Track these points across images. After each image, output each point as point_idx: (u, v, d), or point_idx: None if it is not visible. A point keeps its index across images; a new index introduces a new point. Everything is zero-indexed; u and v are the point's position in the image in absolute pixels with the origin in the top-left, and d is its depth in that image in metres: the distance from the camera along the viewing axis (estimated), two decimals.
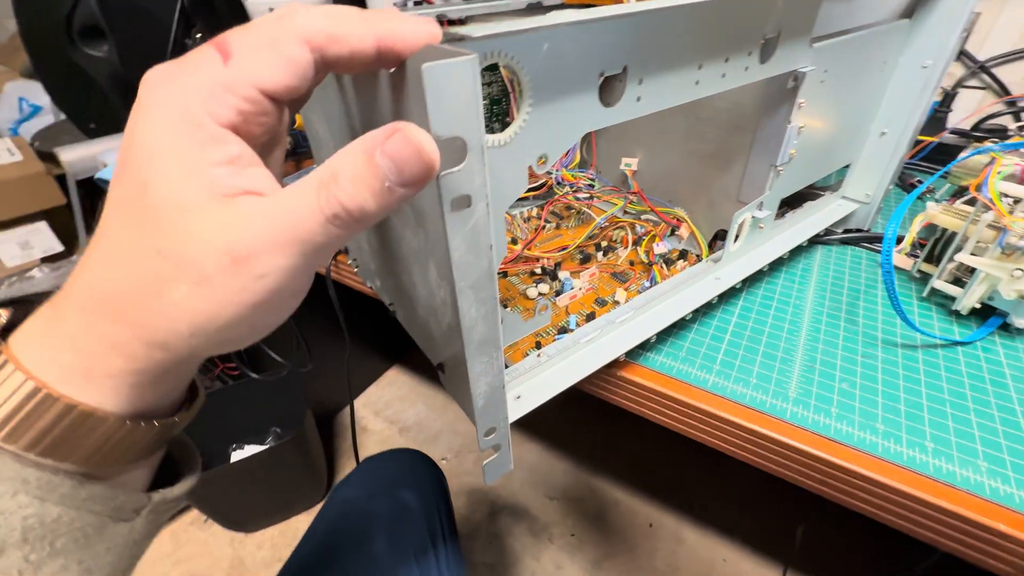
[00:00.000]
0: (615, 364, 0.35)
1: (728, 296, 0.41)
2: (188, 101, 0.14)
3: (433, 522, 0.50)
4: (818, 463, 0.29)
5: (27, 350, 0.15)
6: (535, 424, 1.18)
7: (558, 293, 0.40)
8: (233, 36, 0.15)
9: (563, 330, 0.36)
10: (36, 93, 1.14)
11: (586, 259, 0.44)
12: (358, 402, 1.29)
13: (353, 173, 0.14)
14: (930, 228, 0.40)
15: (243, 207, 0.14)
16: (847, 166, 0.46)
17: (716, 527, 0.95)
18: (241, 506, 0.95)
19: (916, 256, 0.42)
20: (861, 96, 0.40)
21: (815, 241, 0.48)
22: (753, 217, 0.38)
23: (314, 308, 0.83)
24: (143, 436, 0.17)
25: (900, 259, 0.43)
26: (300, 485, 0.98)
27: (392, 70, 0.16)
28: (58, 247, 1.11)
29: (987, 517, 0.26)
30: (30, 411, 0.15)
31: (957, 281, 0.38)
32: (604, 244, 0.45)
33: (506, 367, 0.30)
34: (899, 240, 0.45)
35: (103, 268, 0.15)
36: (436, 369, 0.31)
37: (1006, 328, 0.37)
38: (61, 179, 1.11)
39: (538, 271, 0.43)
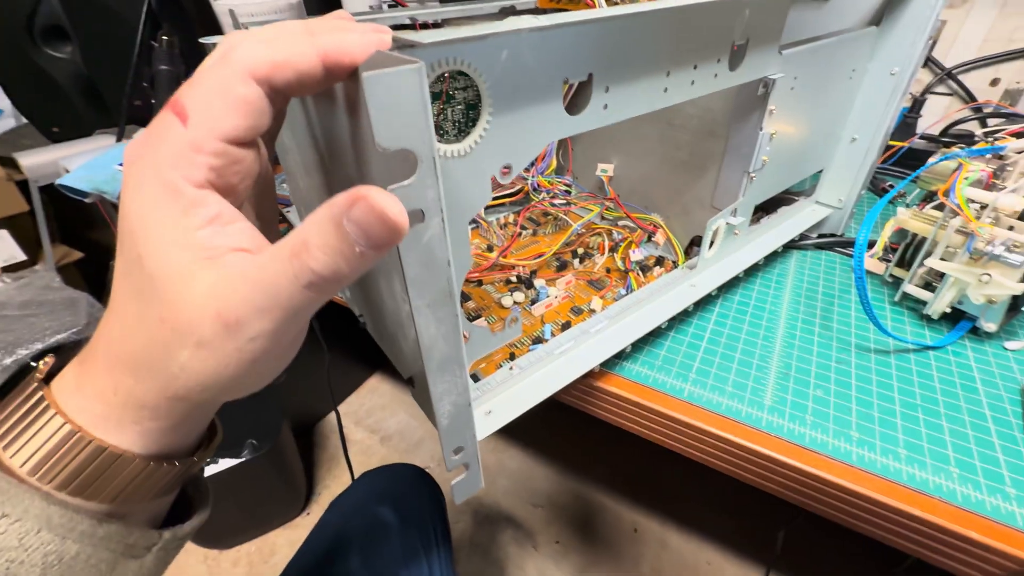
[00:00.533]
0: (590, 374, 0.34)
1: (704, 303, 0.41)
2: (163, 171, 0.15)
3: (426, 534, 0.49)
4: (793, 472, 0.29)
5: (65, 398, 0.17)
6: (517, 431, 1.17)
7: (533, 302, 0.39)
8: (184, 94, 0.15)
9: (538, 340, 0.35)
10: None
11: (563, 266, 0.44)
12: (339, 411, 1.26)
13: (323, 242, 0.14)
14: (901, 232, 0.41)
15: (230, 270, 0.15)
16: (820, 171, 0.46)
17: (700, 531, 0.95)
18: (215, 522, 0.92)
19: (888, 260, 0.42)
20: (832, 103, 0.40)
21: (790, 246, 0.48)
22: (727, 224, 0.37)
23: None
24: (165, 475, 0.18)
25: (873, 263, 0.44)
26: (278, 499, 0.95)
27: (345, 82, 0.15)
28: (20, 256, 1.07)
29: (959, 525, 0.26)
30: (65, 452, 0.16)
31: (928, 286, 0.39)
32: (581, 251, 0.45)
33: (476, 380, 0.29)
34: (871, 245, 0.45)
35: (120, 333, 0.16)
36: (406, 383, 0.30)
37: (975, 332, 0.37)
38: (23, 185, 1.06)
39: (513, 279, 0.42)
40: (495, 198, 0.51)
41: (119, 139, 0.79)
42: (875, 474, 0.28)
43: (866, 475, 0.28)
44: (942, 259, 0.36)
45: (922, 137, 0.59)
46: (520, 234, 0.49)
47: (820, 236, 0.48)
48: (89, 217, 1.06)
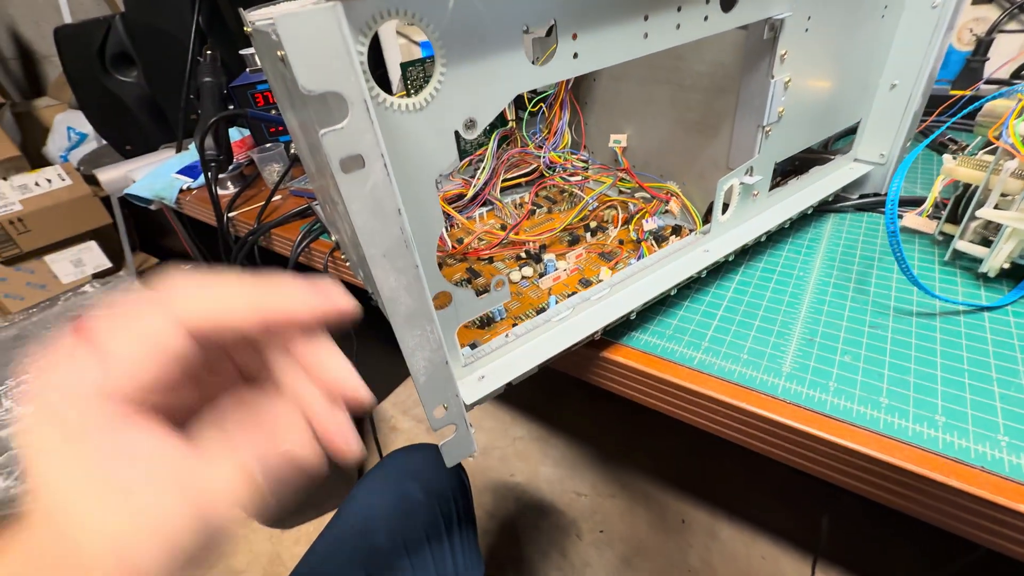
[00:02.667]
0: (595, 344, 0.33)
1: (723, 271, 0.39)
2: (73, 416, 0.14)
3: (449, 512, 0.50)
4: (811, 440, 0.27)
5: None
6: (560, 420, 1.17)
7: (541, 275, 0.39)
8: (102, 328, 0.14)
9: (542, 311, 0.35)
10: (81, 121, 1.23)
11: (575, 240, 0.43)
12: (387, 402, 1.31)
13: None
14: (954, 187, 0.37)
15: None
16: (857, 125, 0.42)
17: (754, 523, 0.90)
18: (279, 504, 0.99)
19: (939, 218, 0.38)
20: (862, 45, 0.36)
21: (826, 209, 0.44)
22: (743, 184, 0.35)
23: None
24: None
25: (921, 222, 0.40)
26: (332, 481, 1.01)
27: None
28: (107, 263, 1.19)
29: (1005, 497, 0.23)
30: None
31: (984, 242, 0.35)
32: (594, 224, 0.44)
33: (473, 348, 0.29)
34: (919, 203, 0.41)
35: None
36: None
37: None
38: (106, 200, 1.19)
39: (523, 255, 0.42)
40: (510, 179, 0.51)
41: (177, 151, 0.86)
42: (906, 442, 0.25)
43: (895, 443, 0.26)
44: (996, 208, 0.32)
45: (988, 82, 0.53)
46: (534, 211, 0.48)
47: (861, 196, 0.44)
48: (162, 226, 1.16)
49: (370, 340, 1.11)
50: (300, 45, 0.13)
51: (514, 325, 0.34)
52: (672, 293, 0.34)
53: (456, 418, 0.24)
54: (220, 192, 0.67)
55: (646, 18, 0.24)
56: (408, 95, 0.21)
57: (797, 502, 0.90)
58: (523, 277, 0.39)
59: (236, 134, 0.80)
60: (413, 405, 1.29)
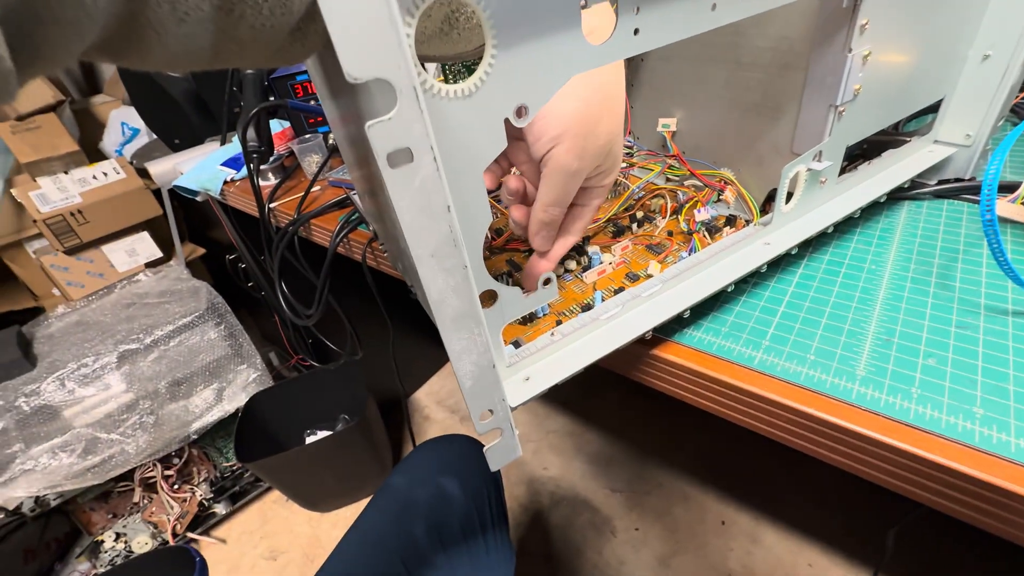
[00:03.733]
0: (644, 342, 0.31)
1: (783, 264, 0.36)
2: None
3: (482, 506, 0.49)
4: (891, 453, 0.24)
5: None
6: (595, 415, 1.15)
7: (585, 269, 0.37)
8: None
9: (587, 308, 0.33)
10: (134, 117, 1.28)
11: (620, 232, 0.41)
12: (422, 391, 1.32)
13: None
14: None
15: None
16: (939, 102, 0.38)
17: (799, 528, 0.86)
18: (315, 487, 1.02)
19: None
20: (952, 11, 0.32)
21: (900, 196, 0.40)
22: (810, 170, 0.32)
23: (364, 300, 0.85)
24: None
25: (1015, 210, 0.35)
26: (366, 468, 1.03)
27: None
28: (158, 253, 1.25)
29: None
30: None
31: None
32: (640, 215, 0.42)
33: (517, 347, 0.28)
34: (1013, 189, 0.37)
35: None
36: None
37: None
38: (157, 193, 1.24)
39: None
40: None
41: (222, 143, 0.88)
42: (1007, 459, 0.23)
43: (994, 459, 0.23)
44: None
45: None
46: None
47: (940, 182, 0.40)
48: (208, 218, 1.20)
49: (405, 330, 1.12)
50: (346, 26, 0.12)
51: (558, 322, 0.32)
52: (730, 289, 0.32)
53: (502, 422, 0.23)
54: (261, 183, 0.68)
55: None
56: (446, 82, 0.20)
57: (852, 509, 0.86)
58: (566, 270, 0.38)
59: (277, 126, 0.81)
60: (447, 396, 1.30)
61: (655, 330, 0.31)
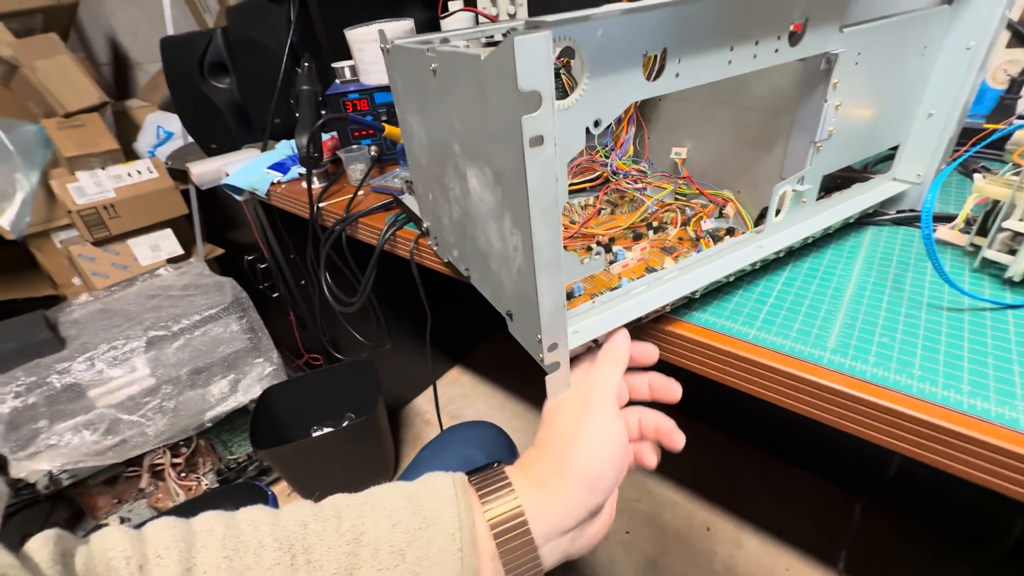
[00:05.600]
0: (662, 319, 0.39)
1: (773, 267, 0.44)
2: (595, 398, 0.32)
3: None
4: (851, 401, 0.32)
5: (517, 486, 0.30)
6: None
7: (612, 263, 0.45)
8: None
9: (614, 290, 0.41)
10: (169, 121, 1.36)
11: (638, 237, 0.49)
12: (421, 398, 1.37)
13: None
14: (984, 205, 0.42)
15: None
16: (896, 148, 0.48)
17: (778, 535, 0.92)
18: (320, 482, 1.05)
19: (969, 233, 0.43)
20: (903, 78, 0.42)
21: (867, 222, 0.49)
22: (794, 191, 0.41)
23: (391, 297, 0.92)
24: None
25: (953, 235, 0.44)
26: (371, 466, 1.07)
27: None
28: (179, 250, 1.30)
29: (1019, 446, 0.27)
30: (511, 525, 0.28)
31: (1010, 251, 0.39)
32: (655, 224, 0.50)
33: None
34: (951, 219, 0.46)
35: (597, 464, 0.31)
36: (505, 317, 0.37)
37: None
38: (185, 194, 1.30)
39: (594, 246, 0.48)
40: (577, 183, 0.58)
41: (263, 149, 0.96)
42: (936, 403, 0.30)
43: (926, 403, 0.30)
44: (1021, 220, 0.37)
45: (1020, 117, 0.58)
46: (600, 211, 0.55)
47: (899, 212, 0.50)
48: (232, 220, 1.27)
49: (409, 337, 1.17)
50: (525, 57, 0.20)
51: (592, 298, 0.40)
52: (730, 280, 0.40)
53: (562, 356, 0.30)
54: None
55: (731, 48, 0.30)
56: None
57: (820, 513, 0.92)
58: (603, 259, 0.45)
59: (323, 136, 0.89)
60: (447, 403, 1.35)
61: (672, 308, 0.39)
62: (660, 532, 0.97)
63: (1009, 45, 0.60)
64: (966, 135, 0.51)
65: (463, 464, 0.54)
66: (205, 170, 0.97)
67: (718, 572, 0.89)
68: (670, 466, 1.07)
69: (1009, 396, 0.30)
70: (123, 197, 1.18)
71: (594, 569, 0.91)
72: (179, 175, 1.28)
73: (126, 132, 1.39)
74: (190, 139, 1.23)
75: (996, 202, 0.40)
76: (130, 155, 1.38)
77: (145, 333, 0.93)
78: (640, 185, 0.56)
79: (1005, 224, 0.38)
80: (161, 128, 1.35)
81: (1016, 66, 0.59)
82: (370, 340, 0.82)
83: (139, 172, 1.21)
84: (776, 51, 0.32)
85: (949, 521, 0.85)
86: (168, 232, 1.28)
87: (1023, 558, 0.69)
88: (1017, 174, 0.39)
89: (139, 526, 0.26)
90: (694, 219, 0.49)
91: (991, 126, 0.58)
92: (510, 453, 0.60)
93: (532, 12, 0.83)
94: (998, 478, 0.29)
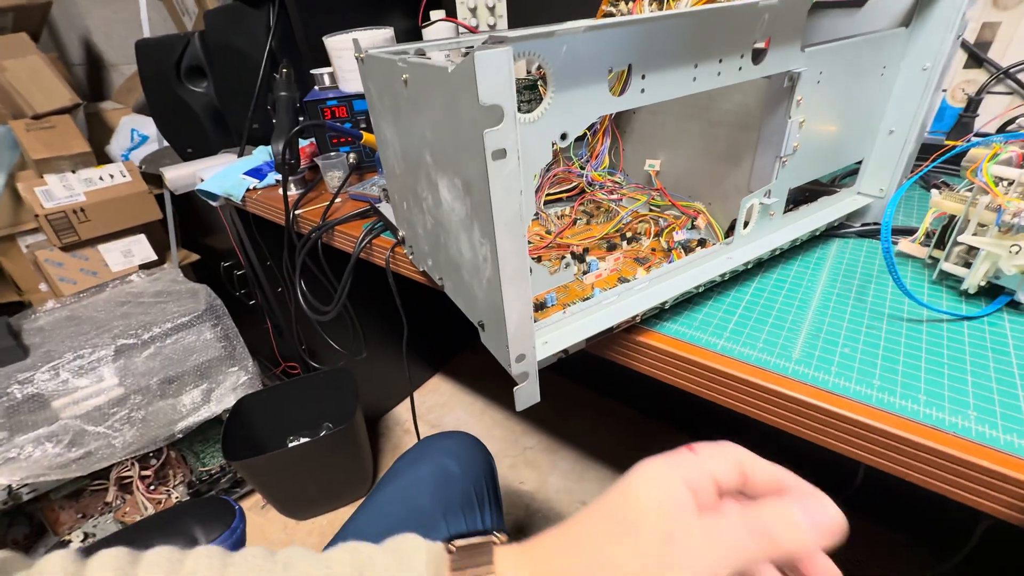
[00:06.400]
0: (633, 330, 0.39)
1: (742, 278, 0.45)
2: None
3: (480, 490, 0.55)
4: (814, 411, 0.33)
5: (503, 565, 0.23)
6: (569, 433, 1.21)
7: (585, 273, 0.45)
8: (702, 451, 0.24)
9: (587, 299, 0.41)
10: (144, 125, 1.33)
11: (612, 247, 0.50)
12: (401, 407, 1.36)
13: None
14: (942, 219, 0.43)
15: None
16: (860, 163, 0.49)
17: None
18: (294, 493, 1.03)
19: (929, 245, 0.45)
20: (864, 97, 0.44)
21: (832, 234, 0.51)
22: (761, 204, 0.42)
23: (369, 305, 0.92)
24: None
25: (913, 248, 0.46)
26: (347, 477, 1.05)
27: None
28: (153, 256, 1.27)
29: (971, 455, 0.28)
30: None
31: (966, 264, 0.41)
32: (629, 235, 0.51)
33: (535, 322, 0.36)
34: (912, 232, 0.47)
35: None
36: (477, 327, 0.37)
37: (1015, 306, 0.39)
38: (159, 198, 1.28)
39: (568, 256, 0.48)
40: (554, 193, 0.58)
41: (240, 155, 0.95)
42: (894, 413, 0.31)
43: (884, 413, 0.31)
44: (974, 235, 0.38)
45: (978, 135, 0.60)
46: (575, 222, 0.55)
47: (863, 225, 0.51)
48: (208, 226, 1.25)
49: (385, 349, 1.16)
50: (486, 72, 0.20)
51: (564, 307, 0.40)
52: (700, 290, 0.41)
53: (530, 367, 0.30)
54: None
55: (696, 65, 0.31)
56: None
57: None
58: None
59: (301, 142, 0.88)
60: (427, 412, 1.34)
61: (642, 321, 0.39)
62: None
63: (966, 66, 0.63)
64: (927, 151, 0.53)
65: (441, 474, 0.54)
66: (180, 175, 0.95)
67: None
68: None
69: (963, 406, 0.31)
70: (94, 201, 1.15)
71: None
72: (154, 179, 1.26)
73: (99, 135, 1.36)
74: (165, 143, 1.21)
75: (953, 216, 0.42)
76: (103, 158, 1.35)
77: (114, 341, 0.90)
78: (615, 196, 0.57)
79: (960, 238, 0.39)
80: (135, 131, 1.32)
81: (973, 86, 0.62)
82: (347, 349, 0.81)
83: (111, 176, 1.18)
84: (740, 69, 0.33)
85: (916, 528, 0.87)
86: (141, 237, 1.25)
87: (983, 564, 0.71)
88: (971, 189, 0.40)
89: (91, 550, 0.24)
90: (667, 230, 0.49)
91: (951, 143, 0.60)
92: (485, 462, 0.59)
93: (512, 24, 0.84)
94: (952, 486, 0.29)
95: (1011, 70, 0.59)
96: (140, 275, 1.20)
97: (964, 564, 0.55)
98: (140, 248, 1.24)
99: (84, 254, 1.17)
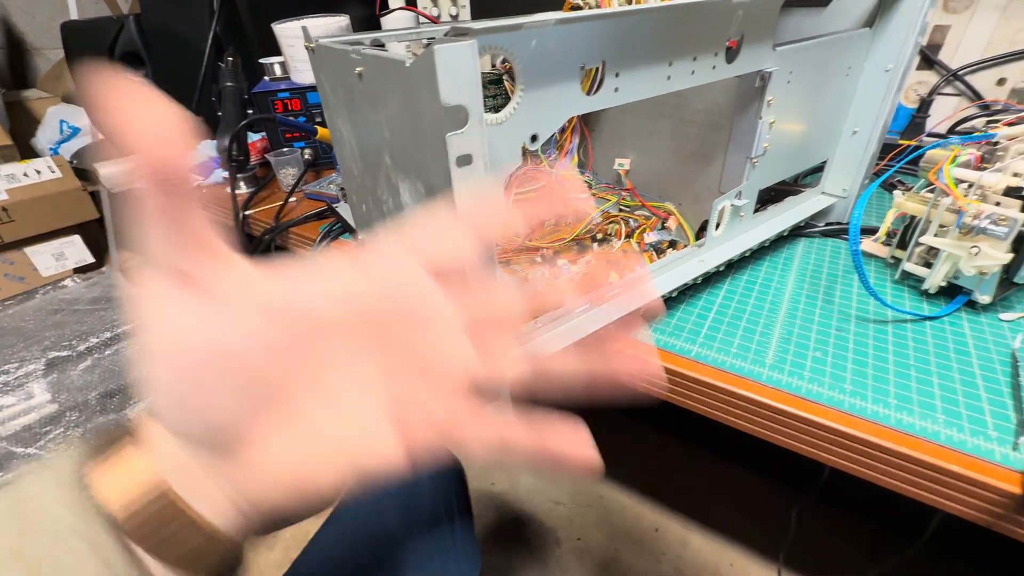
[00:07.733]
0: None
1: (714, 280, 0.44)
2: None
3: (449, 501, 0.53)
4: (789, 418, 0.32)
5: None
6: None
7: (556, 278, 0.43)
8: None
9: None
10: (75, 116, 1.22)
11: (583, 250, 0.48)
12: None
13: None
14: (903, 219, 0.44)
15: None
16: (824, 163, 0.49)
17: (722, 532, 0.95)
18: None
19: (890, 245, 0.45)
20: (830, 97, 0.44)
21: (798, 234, 0.51)
22: (732, 205, 0.41)
23: None
24: (228, 553, 0.17)
25: (876, 247, 0.47)
26: None
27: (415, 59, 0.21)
28: (90, 259, 1.18)
29: (940, 459, 0.28)
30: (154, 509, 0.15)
31: (927, 264, 0.42)
32: (600, 236, 0.49)
33: None
34: (875, 231, 0.48)
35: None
36: None
37: (972, 305, 0.40)
38: (95, 195, 1.18)
39: (539, 259, 0.47)
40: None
41: None
42: (865, 418, 0.31)
43: (856, 419, 0.31)
44: (935, 236, 0.39)
45: (930, 135, 0.62)
46: (544, 224, 0.53)
47: (827, 224, 0.52)
48: None
49: None
50: (448, 69, 0.18)
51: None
52: (673, 295, 0.40)
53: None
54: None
55: (670, 64, 0.29)
56: None
57: (761, 512, 0.96)
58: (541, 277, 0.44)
59: (251, 136, 0.82)
60: None
61: None
62: (611, 536, 0.97)
63: (919, 67, 0.64)
64: (883, 151, 0.54)
65: (407, 489, 0.51)
66: (116, 171, 0.87)
67: (666, 573, 0.90)
68: (620, 471, 1.09)
69: (931, 409, 0.31)
70: (18, 199, 1.04)
71: None
72: (88, 175, 1.16)
73: (23, 126, 1.23)
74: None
75: (914, 217, 0.43)
76: (28, 152, 1.23)
77: (44, 354, 0.83)
78: (585, 195, 0.55)
79: (922, 239, 0.39)
80: (65, 123, 1.21)
81: (925, 87, 0.64)
82: None
83: (38, 171, 1.08)
84: (714, 67, 0.32)
85: (879, 518, 0.91)
86: (75, 239, 1.15)
87: (939, 551, 0.75)
88: (932, 191, 0.41)
89: None
90: (638, 231, 0.48)
91: (905, 142, 0.61)
92: (455, 472, 0.57)
93: (476, 14, 0.81)
94: (925, 490, 0.29)
95: (960, 72, 0.61)
96: (75, 280, 1.11)
97: (922, 551, 0.57)
98: (74, 250, 1.15)
99: (9, 258, 1.06)
